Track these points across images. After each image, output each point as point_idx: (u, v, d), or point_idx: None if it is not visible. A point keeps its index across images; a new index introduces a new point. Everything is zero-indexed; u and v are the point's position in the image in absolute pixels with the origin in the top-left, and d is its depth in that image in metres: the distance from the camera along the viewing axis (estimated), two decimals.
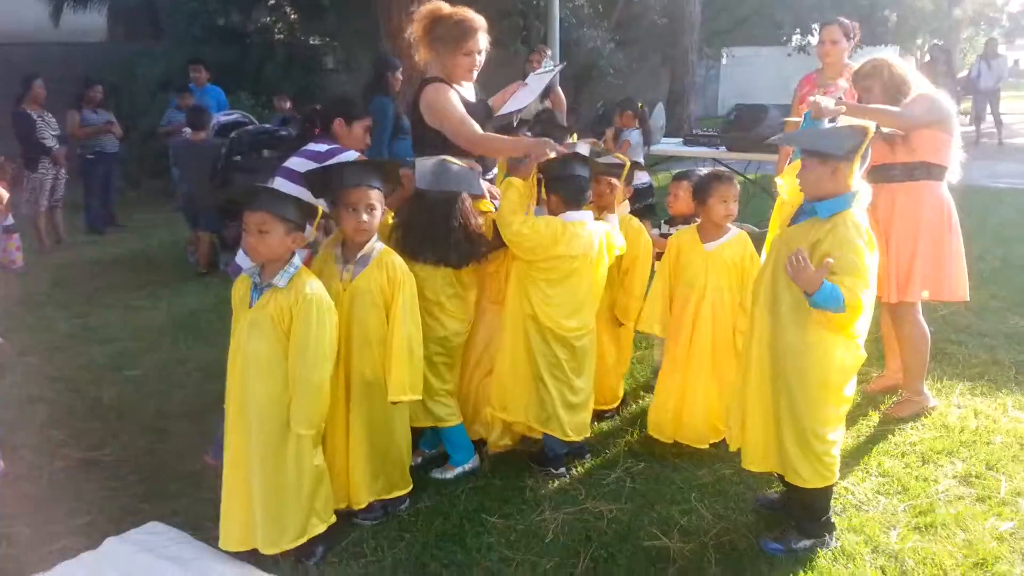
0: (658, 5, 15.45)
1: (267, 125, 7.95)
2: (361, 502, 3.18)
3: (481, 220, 3.47)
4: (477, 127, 3.55)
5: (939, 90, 4.00)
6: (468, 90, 3.76)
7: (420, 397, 3.18)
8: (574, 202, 3.47)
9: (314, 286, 2.86)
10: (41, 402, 4.44)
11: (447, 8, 3.59)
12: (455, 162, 3.42)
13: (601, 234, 3.52)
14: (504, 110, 3.94)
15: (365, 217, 3.04)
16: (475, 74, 3.70)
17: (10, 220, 7.02)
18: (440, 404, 3.50)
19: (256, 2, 12.29)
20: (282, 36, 12.36)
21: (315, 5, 11.62)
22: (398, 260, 3.15)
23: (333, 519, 3.03)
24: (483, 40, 3.62)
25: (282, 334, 2.82)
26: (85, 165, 8.67)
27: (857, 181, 2.88)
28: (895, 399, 4.21)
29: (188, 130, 7.80)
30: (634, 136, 6.94)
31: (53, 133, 7.92)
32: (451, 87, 3.61)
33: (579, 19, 13.55)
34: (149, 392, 4.59)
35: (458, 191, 3.38)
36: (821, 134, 2.88)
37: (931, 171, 3.92)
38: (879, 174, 3.97)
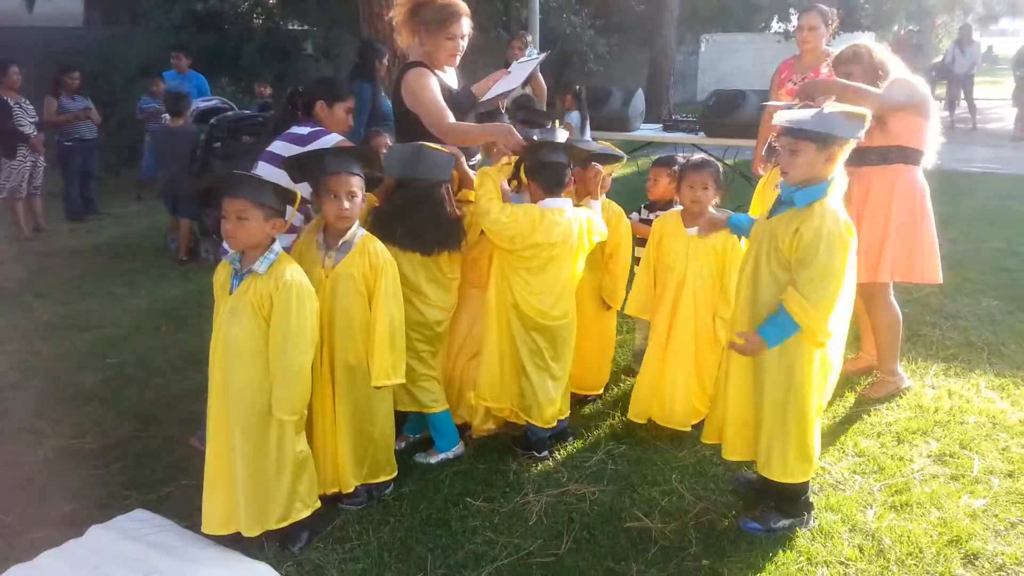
0: None
1: (247, 111, 7.92)
2: (348, 486, 3.20)
3: (464, 209, 3.49)
4: (449, 116, 3.58)
5: (916, 75, 4.06)
6: (451, 76, 3.77)
7: (403, 381, 3.20)
8: (552, 189, 3.49)
9: (294, 272, 2.87)
10: (22, 390, 4.42)
11: None
12: (434, 148, 3.43)
13: (581, 220, 3.55)
14: (488, 95, 3.95)
15: (347, 204, 3.04)
16: (457, 59, 3.73)
17: None
18: (424, 390, 3.52)
19: None
20: (260, 21, 12.23)
21: None
22: (380, 246, 3.16)
23: (318, 504, 3.05)
24: (466, 25, 3.65)
25: (262, 320, 2.82)
26: (63, 152, 8.56)
27: (834, 169, 2.90)
28: (870, 380, 4.28)
29: (167, 116, 7.74)
30: (574, 118, 7.23)
31: (31, 120, 7.82)
32: (432, 73, 3.62)
33: (559, 5, 13.50)
34: (131, 380, 4.58)
35: (432, 179, 3.39)
36: (830, 117, 2.83)
37: (906, 154, 3.98)
38: (854, 158, 4.00)
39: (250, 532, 2.91)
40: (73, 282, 6.53)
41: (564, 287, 3.54)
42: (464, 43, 3.70)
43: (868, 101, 3.79)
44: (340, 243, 3.10)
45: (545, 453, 3.62)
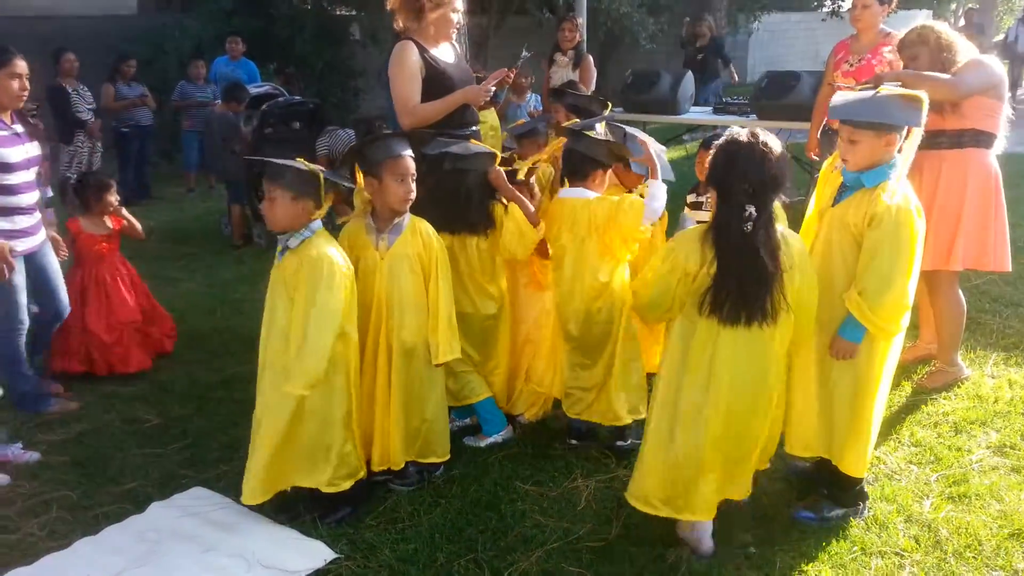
0: None
1: (297, 97, 8.01)
2: (399, 463, 3.25)
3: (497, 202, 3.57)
4: (414, 99, 3.64)
5: (988, 54, 3.95)
6: (446, 51, 3.80)
7: (459, 355, 3.28)
8: (571, 177, 3.45)
9: (323, 248, 2.93)
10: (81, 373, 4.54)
11: None
12: (477, 144, 3.52)
13: (591, 209, 3.37)
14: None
15: (413, 185, 3.13)
16: (454, 32, 3.80)
17: (49, 192, 7.14)
18: (457, 381, 3.55)
19: None
20: (309, 7, 12.29)
21: None
22: (429, 226, 3.24)
23: (361, 474, 3.11)
24: None
25: (291, 293, 2.92)
26: (120, 138, 8.77)
27: (897, 150, 2.83)
28: (928, 369, 4.19)
29: (219, 102, 7.85)
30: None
31: (88, 106, 8.00)
32: (422, 49, 3.66)
33: None
34: (186, 362, 4.69)
35: (474, 168, 3.46)
36: (881, 104, 2.74)
37: (979, 138, 3.86)
38: (925, 140, 3.88)
39: (301, 482, 3.04)
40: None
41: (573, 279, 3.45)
42: (459, 17, 3.76)
43: (943, 91, 3.70)
44: (392, 225, 3.15)
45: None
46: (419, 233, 3.19)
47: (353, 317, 3.02)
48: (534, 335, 3.78)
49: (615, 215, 3.30)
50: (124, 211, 4.71)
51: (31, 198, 3.76)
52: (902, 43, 4.01)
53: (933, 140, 3.86)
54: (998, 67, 3.85)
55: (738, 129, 2.64)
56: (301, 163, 2.95)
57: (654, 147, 3.40)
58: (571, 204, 3.39)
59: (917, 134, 2.82)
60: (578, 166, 3.41)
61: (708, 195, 3.14)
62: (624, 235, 3.32)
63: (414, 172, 3.14)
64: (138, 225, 4.79)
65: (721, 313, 2.61)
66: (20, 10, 11.07)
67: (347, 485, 3.06)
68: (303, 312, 2.87)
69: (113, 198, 4.60)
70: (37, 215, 3.84)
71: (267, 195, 2.94)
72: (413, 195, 3.15)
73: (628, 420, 3.47)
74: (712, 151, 2.67)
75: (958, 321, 4.05)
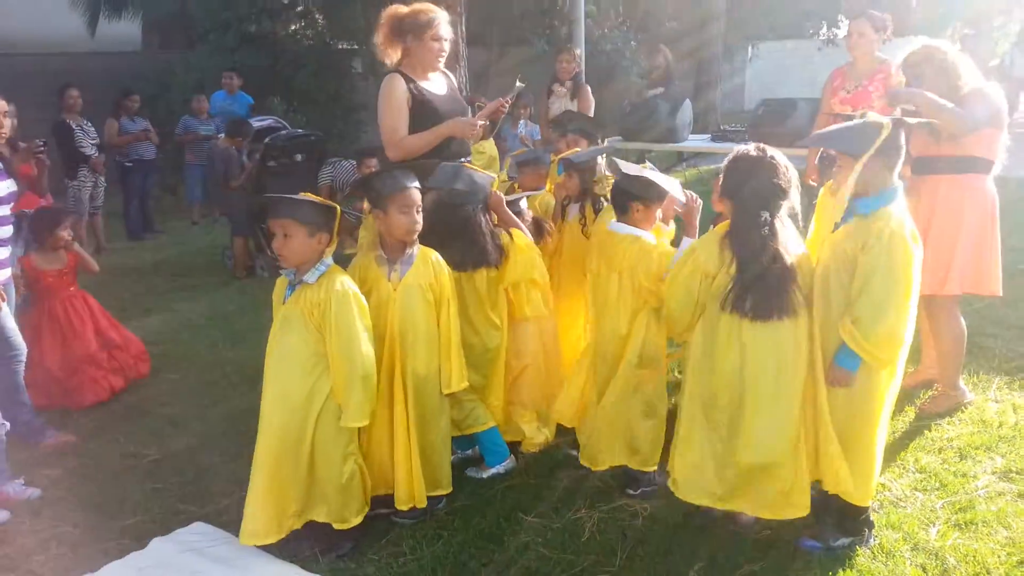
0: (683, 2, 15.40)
1: (299, 130, 8.08)
2: (423, 501, 3.23)
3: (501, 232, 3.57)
4: (401, 131, 3.71)
5: (990, 82, 3.96)
6: (436, 82, 3.87)
7: (467, 384, 3.32)
8: (616, 211, 3.44)
9: (345, 282, 2.95)
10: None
11: (404, 7, 3.80)
12: (474, 168, 3.54)
13: (625, 247, 3.35)
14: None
15: (419, 217, 3.16)
16: (442, 62, 3.86)
17: None
18: (462, 408, 3.53)
19: (286, 8, 12.40)
20: (312, 42, 12.44)
21: (342, 6, 11.70)
22: (438, 256, 3.27)
23: (365, 511, 3.10)
24: (448, 29, 3.81)
25: (313, 328, 2.91)
26: (123, 172, 8.84)
27: (896, 176, 2.85)
28: (931, 394, 4.17)
29: (222, 136, 7.92)
30: (534, 131, 7.54)
31: (92, 142, 8.07)
32: (406, 79, 3.73)
33: (602, 17, 13.51)
34: (189, 395, 4.68)
35: (467, 200, 3.46)
36: (840, 132, 2.87)
37: (977, 164, 3.86)
38: (923, 165, 3.94)
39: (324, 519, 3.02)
40: (133, 299, 6.71)
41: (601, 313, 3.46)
42: (446, 46, 3.82)
43: (953, 124, 3.72)
44: (403, 256, 3.19)
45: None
46: (430, 263, 3.22)
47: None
48: (532, 361, 3.75)
49: (641, 259, 3.27)
50: (76, 246, 4.73)
51: (6, 232, 3.77)
52: (907, 62, 4.01)
53: (930, 165, 3.90)
54: (998, 97, 3.85)
55: (745, 146, 2.90)
56: (314, 197, 2.98)
57: (666, 183, 3.37)
58: (612, 237, 3.37)
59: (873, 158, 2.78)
60: (615, 199, 3.44)
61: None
62: (643, 281, 3.27)
63: (420, 204, 3.16)
64: (91, 261, 4.82)
65: (743, 309, 2.82)
66: (30, 47, 11.24)
67: (356, 521, 3.06)
68: (343, 345, 2.89)
69: (65, 232, 4.60)
70: (9, 249, 3.84)
71: (281, 231, 2.91)
72: (419, 226, 3.17)
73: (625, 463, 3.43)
74: (724, 166, 2.92)
75: (959, 345, 4.04)
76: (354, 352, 2.89)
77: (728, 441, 2.94)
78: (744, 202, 2.85)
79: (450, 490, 3.37)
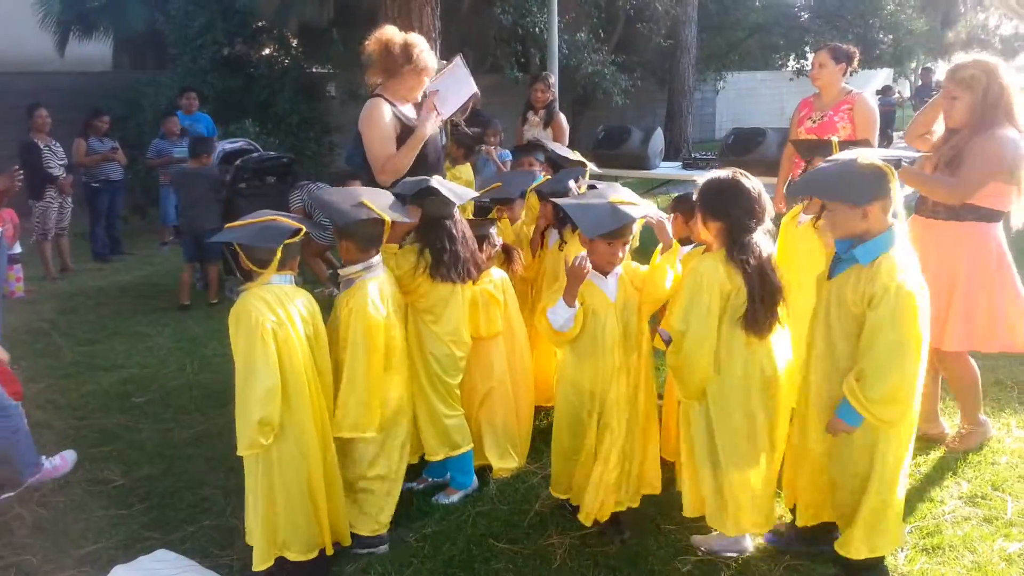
0: (657, 28, 15.54)
1: (271, 152, 8.04)
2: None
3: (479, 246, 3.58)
4: (389, 151, 3.81)
5: (1021, 133, 3.55)
6: (409, 107, 3.99)
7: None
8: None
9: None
10: (48, 429, 4.45)
11: (399, 34, 3.91)
12: (442, 182, 3.51)
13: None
14: (444, 115, 4.13)
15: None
16: (420, 94, 3.99)
17: (18, 248, 7.06)
18: (460, 428, 3.54)
19: (260, 31, 12.38)
20: (287, 64, 12.42)
21: (317, 31, 11.71)
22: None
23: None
24: (434, 63, 3.95)
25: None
26: (90, 193, 8.71)
27: (891, 217, 2.72)
28: (958, 431, 4.04)
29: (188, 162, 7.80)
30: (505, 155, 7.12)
31: (59, 162, 7.97)
32: (390, 105, 3.84)
33: (578, 43, 13.60)
34: (156, 419, 4.60)
35: (437, 213, 3.40)
36: (840, 181, 2.71)
37: (980, 213, 3.62)
38: (922, 207, 3.76)
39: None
40: (99, 322, 6.61)
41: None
42: (428, 80, 3.96)
43: (941, 195, 3.58)
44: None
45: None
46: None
47: None
48: (499, 384, 3.73)
49: (650, 276, 3.22)
50: None
51: None
52: (951, 74, 3.61)
53: (930, 208, 3.72)
54: (1015, 149, 3.49)
55: (718, 171, 2.97)
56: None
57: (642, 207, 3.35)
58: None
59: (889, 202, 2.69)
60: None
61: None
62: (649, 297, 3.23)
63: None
64: None
65: (757, 327, 2.85)
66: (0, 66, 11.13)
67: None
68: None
69: None
70: None
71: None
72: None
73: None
74: (701, 192, 2.96)
75: (974, 385, 3.92)
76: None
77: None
78: (737, 220, 2.87)
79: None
